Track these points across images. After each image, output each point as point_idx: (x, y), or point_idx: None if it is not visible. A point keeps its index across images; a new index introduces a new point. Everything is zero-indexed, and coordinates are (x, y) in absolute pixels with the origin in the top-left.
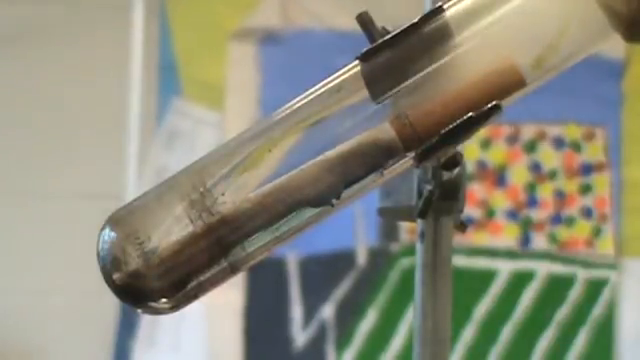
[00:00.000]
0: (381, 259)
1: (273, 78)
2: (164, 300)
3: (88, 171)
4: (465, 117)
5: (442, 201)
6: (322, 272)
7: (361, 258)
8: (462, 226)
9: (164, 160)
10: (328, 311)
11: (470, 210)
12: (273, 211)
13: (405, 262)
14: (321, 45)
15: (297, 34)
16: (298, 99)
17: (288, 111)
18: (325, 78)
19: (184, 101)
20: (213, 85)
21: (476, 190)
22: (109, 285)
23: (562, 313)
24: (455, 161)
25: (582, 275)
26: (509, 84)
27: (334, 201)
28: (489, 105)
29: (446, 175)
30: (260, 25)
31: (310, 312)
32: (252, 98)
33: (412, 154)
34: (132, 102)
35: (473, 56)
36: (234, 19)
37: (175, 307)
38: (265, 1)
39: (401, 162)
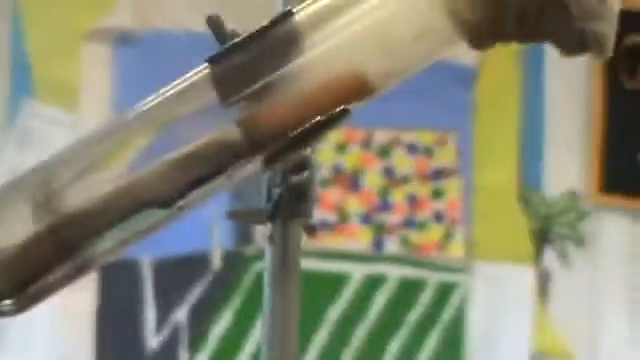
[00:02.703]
0: (236, 262)
1: (128, 79)
2: (7, 302)
3: None
4: (312, 121)
5: (291, 204)
6: (176, 275)
7: (216, 261)
8: (311, 229)
9: (17, 161)
10: (182, 314)
11: (324, 214)
12: (118, 212)
13: (259, 265)
14: (177, 46)
15: (152, 35)
16: (149, 100)
17: (138, 112)
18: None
19: (37, 102)
20: (67, 86)
21: (331, 194)
22: None
23: (413, 316)
24: (304, 165)
25: (433, 278)
26: (356, 90)
27: (180, 203)
28: (337, 110)
29: (295, 178)
30: (114, 26)
31: (164, 315)
32: (106, 99)
33: (260, 157)
34: None
35: (321, 61)
36: (88, 19)
37: (20, 309)
38: (120, 2)
39: (249, 165)
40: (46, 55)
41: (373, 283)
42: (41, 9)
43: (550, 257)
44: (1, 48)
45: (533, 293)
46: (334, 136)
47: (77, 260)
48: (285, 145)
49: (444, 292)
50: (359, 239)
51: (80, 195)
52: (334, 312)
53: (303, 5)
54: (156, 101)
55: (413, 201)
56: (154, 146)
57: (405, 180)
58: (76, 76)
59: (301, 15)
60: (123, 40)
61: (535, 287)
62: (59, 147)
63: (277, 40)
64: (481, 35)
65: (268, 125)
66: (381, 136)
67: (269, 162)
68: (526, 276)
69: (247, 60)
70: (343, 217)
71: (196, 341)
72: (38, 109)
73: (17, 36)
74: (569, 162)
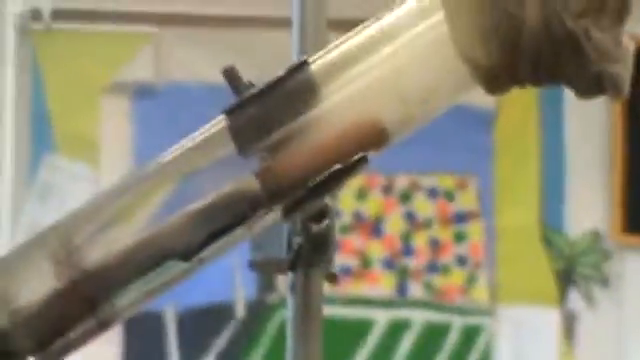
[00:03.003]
0: (259, 311)
1: (148, 132)
2: (31, 359)
3: None
4: (330, 170)
5: (312, 253)
6: (200, 325)
7: (239, 310)
8: (332, 277)
9: (38, 215)
10: None
11: (347, 260)
12: (140, 265)
13: (283, 314)
14: (195, 98)
15: (171, 87)
16: (167, 153)
17: (157, 165)
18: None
19: (58, 155)
20: (87, 139)
21: (353, 240)
22: None
23: None
24: (323, 213)
25: (458, 322)
26: (373, 138)
27: (201, 254)
28: (354, 158)
29: (315, 227)
30: (134, 79)
31: None
32: (126, 152)
33: (279, 207)
34: (5, 156)
35: (337, 110)
36: (108, 73)
37: None
38: (139, 54)
39: (268, 215)
40: (66, 109)
41: (398, 328)
42: (61, 63)
43: (575, 298)
44: (21, 102)
45: (559, 335)
46: (355, 182)
47: (100, 315)
48: (304, 194)
49: (469, 336)
50: (382, 284)
51: (101, 250)
52: (360, 359)
53: (318, 54)
54: (175, 154)
55: (435, 245)
56: (174, 198)
57: (427, 224)
58: (96, 129)
59: (317, 65)
60: (143, 93)
61: (561, 329)
62: (80, 201)
63: (293, 90)
64: (497, 79)
65: (286, 175)
66: (402, 181)
67: (288, 211)
68: (551, 318)
69: (264, 111)
70: (366, 263)
71: None
72: (59, 163)
73: (37, 90)
74: (591, 202)
